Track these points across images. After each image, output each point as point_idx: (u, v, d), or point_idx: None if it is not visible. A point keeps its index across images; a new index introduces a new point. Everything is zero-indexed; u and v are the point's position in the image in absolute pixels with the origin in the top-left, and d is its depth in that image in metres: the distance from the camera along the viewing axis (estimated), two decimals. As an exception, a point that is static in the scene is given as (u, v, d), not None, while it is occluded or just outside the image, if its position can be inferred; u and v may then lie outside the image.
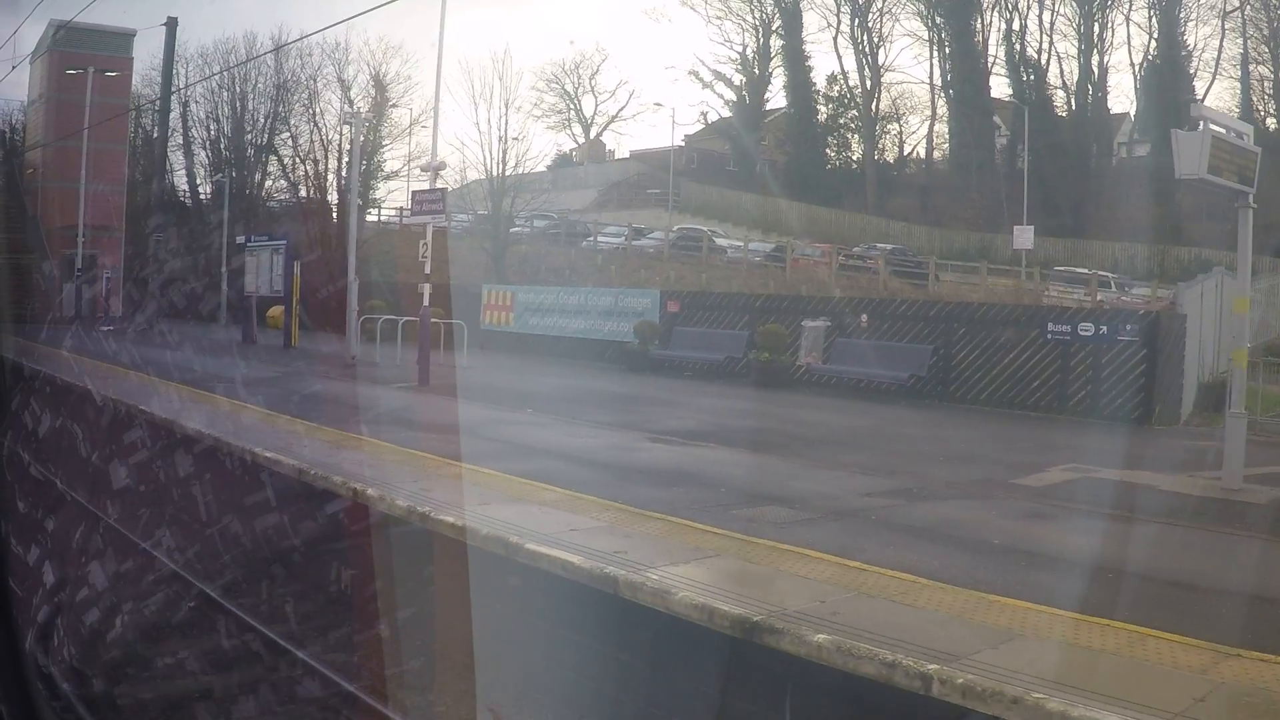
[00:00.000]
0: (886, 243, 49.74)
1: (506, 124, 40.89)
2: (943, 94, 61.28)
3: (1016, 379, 17.42)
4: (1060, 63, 58.37)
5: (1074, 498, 9.86)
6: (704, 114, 66.23)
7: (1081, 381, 16.96)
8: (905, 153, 65.84)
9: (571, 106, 71.61)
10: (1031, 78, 56.43)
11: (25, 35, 36.79)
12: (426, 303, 17.12)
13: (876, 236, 52.25)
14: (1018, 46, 56.65)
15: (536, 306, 24.08)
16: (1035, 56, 56.59)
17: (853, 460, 11.32)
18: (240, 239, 26.70)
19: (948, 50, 58.66)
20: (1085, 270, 36.57)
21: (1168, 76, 57.70)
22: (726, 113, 65.37)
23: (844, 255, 38.31)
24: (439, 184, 18.24)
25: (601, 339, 22.68)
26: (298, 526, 8.63)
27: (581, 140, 72.97)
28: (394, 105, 40.92)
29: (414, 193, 17.76)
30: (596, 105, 72.96)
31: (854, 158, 63.60)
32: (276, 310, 32.70)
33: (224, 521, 9.21)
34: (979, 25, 57.53)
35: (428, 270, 17.20)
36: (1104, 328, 16.79)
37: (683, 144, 69.91)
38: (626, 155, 72.44)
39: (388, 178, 44.95)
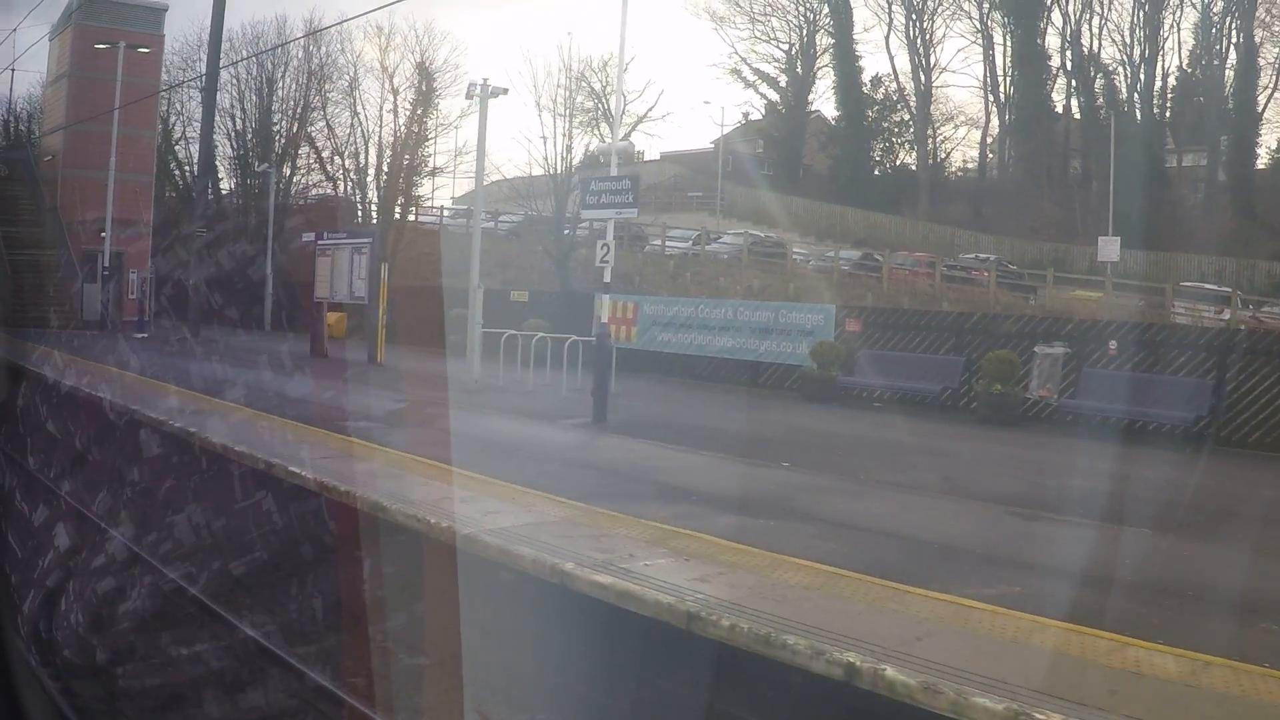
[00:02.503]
0: (944, 251, 46.84)
1: (571, 115, 37.85)
2: (995, 98, 58.61)
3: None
4: (1126, 69, 55.75)
5: None
6: (745, 114, 62.96)
7: None
8: (947, 157, 62.95)
9: (600, 105, 68.24)
10: (1100, 83, 53.64)
11: (42, 14, 32.99)
12: (605, 319, 13.70)
13: (940, 245, 49.24)
14: (1085, 52, 53.84)
15: (669, 321, 20.64)
16: (1106, 63, 53.80)
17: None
18: (308, 236, 23.13)
19: (1009, 54, 55.80)
20: (1213, 286, 33.52)
21: (1206, 83, 55.39)
22: (768, 113, 62.23)
23: (945, 265, 35.14)
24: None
25: (755, 360, 19.32)
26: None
27: (609, 140, 69.57)
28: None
29: (592, 180, 14.35)
30: (625, 104, 69.56)
31: (899, 162, 60.68)
32: (335, 317, 29.18)
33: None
34: (1044, 29, 54.62)
35: (607, 278, 13.79)
36: None
37: (710, 147, 66.71)
38: (657, 157, 69.16)
39: (431, 174, 41.35)
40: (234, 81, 41.89)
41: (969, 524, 8.44)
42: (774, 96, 61.31)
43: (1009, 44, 55.77)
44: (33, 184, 34.14)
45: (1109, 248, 41.28)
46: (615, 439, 12.47)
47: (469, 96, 16.69)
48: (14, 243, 32.19)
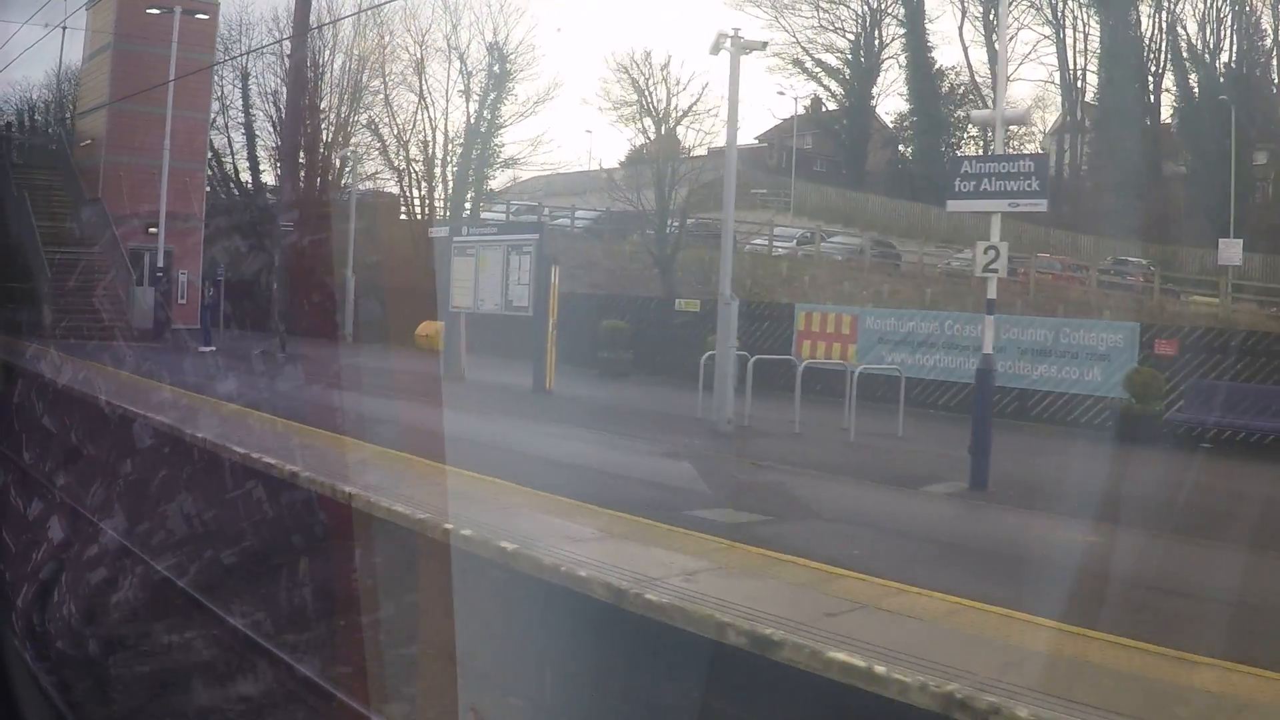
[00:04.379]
0: (1039, 251, 43.64)
1: (673, 95, 34.71)
2: (1068, 92, 55.47)
3: None
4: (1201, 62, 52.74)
5: None
6: (807, 107, 59.41)
7: None
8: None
9: (644, 98, 64.49)
10: (1198, 76, 50.52)
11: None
12: (989, 347, 10.07)
13: (1034, 245, 45.92)
14: (1182, 44, 50.71)
15: (902, 338, 17.00)
16: (1203, 53, 50.63)
17: None
18: (438, 232, 19.34)
19: (1090, 46, 52.71)
20: None
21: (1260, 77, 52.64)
22: (830, 105, 58.81)
23: (1098, 270, 31.82)
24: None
25: (1026, 389, 15.75)
26: None
27: (652, 135, 65.77)
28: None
29: (970, 160, 10.70)
30: (670, 98, 65.85)
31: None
32: (430, 328, 25.43)
33: None
34: (1137, 20, 51.49)
35: (991, 294, 10.12)
36: None
37: (756, 143, 63.13)
38: (704, 152, 65.43)
39: (505, 165, 37.55)
40: (281, 64, 37.93)
41: None
42: (837, 89, 57.83)
43: (1094, 35, 52.66)
44: (68, 173, 30.10)
45: (1230, 250, 37.95)
46: (1035, 519, 8.88)
47: (715, 51, 12.97)
48: (50, 239, 28.18)
